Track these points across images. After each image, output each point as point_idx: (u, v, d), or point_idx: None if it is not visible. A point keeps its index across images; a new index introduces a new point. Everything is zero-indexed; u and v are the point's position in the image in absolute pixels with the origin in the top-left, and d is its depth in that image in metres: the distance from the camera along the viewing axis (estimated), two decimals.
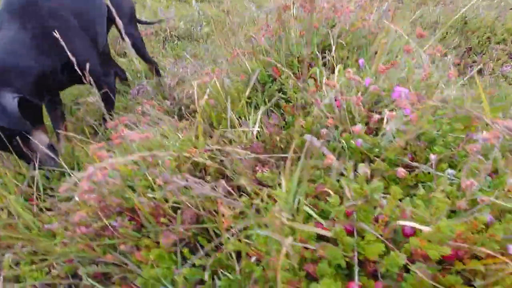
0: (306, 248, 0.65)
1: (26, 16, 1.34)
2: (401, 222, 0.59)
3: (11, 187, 1.20)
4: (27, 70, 1.34)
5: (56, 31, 1.15)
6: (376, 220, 0.64)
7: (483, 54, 2.96)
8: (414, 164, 0.81)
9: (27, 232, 1.04)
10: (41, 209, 1.13)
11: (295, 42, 1.46)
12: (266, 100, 1.44)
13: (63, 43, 1.15)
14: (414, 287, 0.55)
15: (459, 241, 0.56)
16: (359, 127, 0.87)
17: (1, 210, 1.08)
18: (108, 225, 0.88)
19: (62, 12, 1.43)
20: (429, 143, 0.86)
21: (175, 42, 3.79)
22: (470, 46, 3.07)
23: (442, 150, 0.82)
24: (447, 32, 3.24)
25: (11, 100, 1.13)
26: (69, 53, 1.17)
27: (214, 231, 0.89)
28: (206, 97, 1.22)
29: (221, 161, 1.12)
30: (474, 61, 2.91)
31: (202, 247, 0.94)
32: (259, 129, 1.22)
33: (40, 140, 1.20)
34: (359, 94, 1.02)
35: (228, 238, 0.81)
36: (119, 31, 2.28)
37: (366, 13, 1.61)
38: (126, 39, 1.41)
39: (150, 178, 1.00)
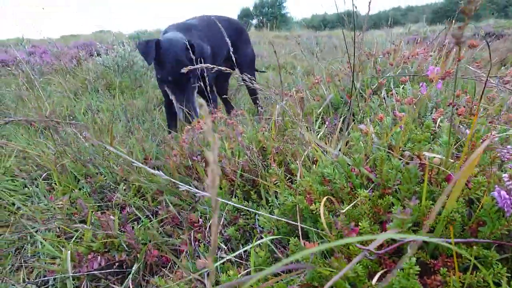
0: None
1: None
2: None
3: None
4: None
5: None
6: None
7: None
8: None
9: (139, 172, 1.44)
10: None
11: (370, 75, 1.67)
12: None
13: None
14: None
15: None
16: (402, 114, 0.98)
17: (127, 152, 1.55)
18: (191, 163, 1.19)
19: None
20: None
21: None
22: None
23: None
24: None
25: (207, 45, 1.70)
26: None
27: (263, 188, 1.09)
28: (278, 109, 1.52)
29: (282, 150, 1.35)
30: None
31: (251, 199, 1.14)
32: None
33: (195, 96, 1.72)
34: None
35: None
36: (241, 72, 2.98)
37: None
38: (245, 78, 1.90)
39: (225, 144, 1.30)
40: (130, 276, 0.95)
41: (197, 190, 0.71)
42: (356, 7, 1.22)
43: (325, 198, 0.63)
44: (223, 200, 0.95)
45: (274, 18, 23.68)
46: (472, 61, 1.40)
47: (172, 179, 0.70)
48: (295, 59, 7.02)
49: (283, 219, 0.78)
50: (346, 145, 1.29)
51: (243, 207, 0.95)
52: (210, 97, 2.04)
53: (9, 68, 3.77)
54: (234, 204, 0.90)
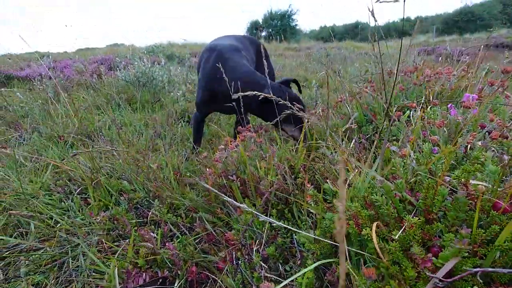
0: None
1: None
2: None
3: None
4: None
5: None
6: None
7: None
8: None
9: (172, 188, 1.50)
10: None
11: (395, 95, 1.71)
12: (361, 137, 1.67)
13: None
14: None
15: None
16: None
17: (157, 168, 1.60)
18: (225, 182, 1.23)
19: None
20: None
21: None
22: None
23: None
24: None
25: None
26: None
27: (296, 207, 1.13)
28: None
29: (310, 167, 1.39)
30: None
31: (284, 216, 1.17)
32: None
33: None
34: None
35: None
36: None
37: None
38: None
39: (257, 163, 1.34)
40: None
41: (258, 214, 0.74)
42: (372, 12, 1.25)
43: (375, 224, 0.67)
44: (264, 217, 0.99)
45: (283, 31, 24.03)
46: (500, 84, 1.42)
47: (229, 198, 0.75)
48: (306, 71, 7.10)
49: (327, 241, 0.81)
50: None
51: (283, 225, 0.98)
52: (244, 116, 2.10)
53: (35, 84, 3.94)
54: (276, 222, 0.94)
